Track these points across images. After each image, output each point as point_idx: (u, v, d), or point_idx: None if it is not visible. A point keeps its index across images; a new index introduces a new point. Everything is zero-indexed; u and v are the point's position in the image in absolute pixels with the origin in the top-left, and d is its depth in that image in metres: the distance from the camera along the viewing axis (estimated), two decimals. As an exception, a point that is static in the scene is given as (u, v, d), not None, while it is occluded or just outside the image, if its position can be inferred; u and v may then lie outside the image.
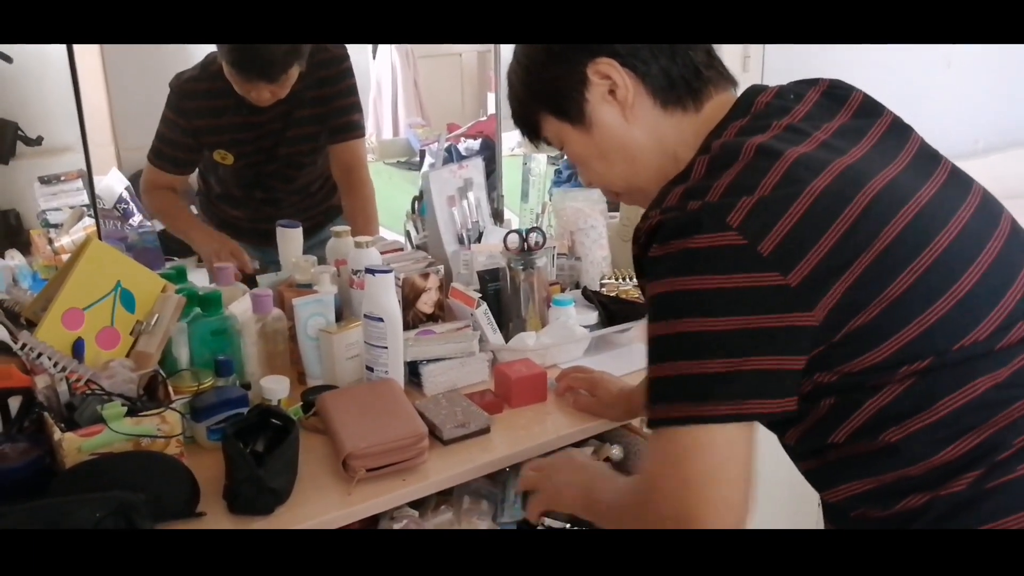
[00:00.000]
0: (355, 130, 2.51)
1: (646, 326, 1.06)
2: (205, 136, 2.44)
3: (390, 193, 3.15)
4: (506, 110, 3.17)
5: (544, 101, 1.20)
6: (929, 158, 1.12)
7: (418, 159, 4.26)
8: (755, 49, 2.34)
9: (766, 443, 1.17)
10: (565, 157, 4.42)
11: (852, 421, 1.03)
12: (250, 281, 2.37)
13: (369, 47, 4.35)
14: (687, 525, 1.00)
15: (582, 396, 1.72)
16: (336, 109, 2.46)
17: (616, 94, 1.14)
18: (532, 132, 1.25)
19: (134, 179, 4.02)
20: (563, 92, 1.17)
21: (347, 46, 2.48)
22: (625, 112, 1.15)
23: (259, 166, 2.53)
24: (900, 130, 1.15)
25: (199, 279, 2.16)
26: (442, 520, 1.58)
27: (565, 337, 1.93)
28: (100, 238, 2.26)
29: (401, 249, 2.12)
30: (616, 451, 1.71)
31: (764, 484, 1.25)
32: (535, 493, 1.41)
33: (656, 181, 1.14)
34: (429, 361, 1.80)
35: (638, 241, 1.06)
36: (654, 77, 1.13)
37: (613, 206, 2.43)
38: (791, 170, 1.00)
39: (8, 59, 2.67)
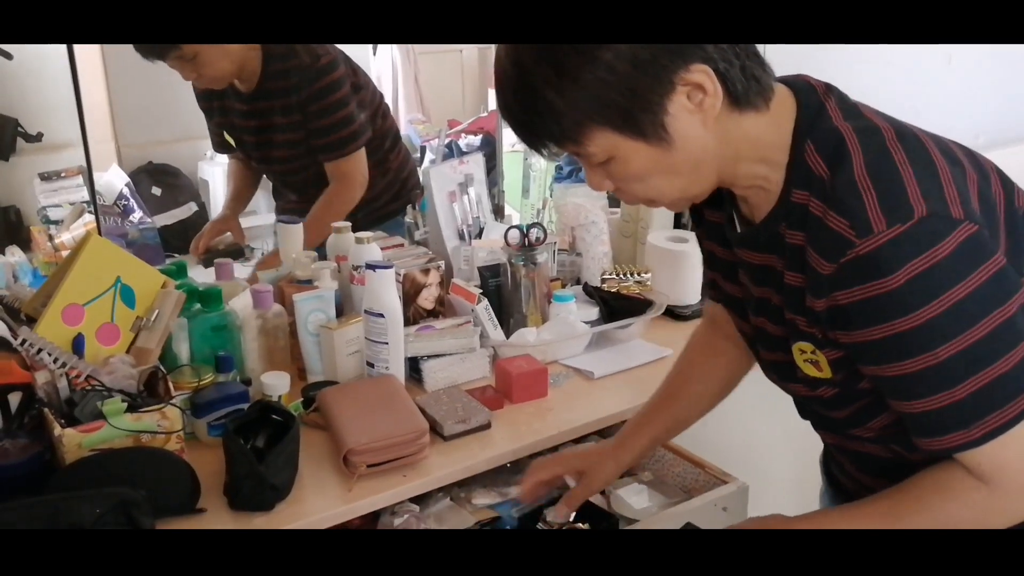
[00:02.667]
0: (336, 150, 2.40)
1: (913, 359, 0.98)
2: (208, 116, 2.54)
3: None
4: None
5: (607, 114, 1.00)
6: None
7: (419, 155, 4.26)
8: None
9: (766, 436, 1.18)
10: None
11: None
12: (235, 253, 2.50)
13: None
14: None
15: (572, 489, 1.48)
16: (317, 129, 2.37)
17: (702, 102, 1.01)
18: (560, 144, 1.06)
19: (134, 175, 4.03)
20: (641, 105, 0.99)
21: (338, 55, 2.38)
22: (707, 121, 1.02)
23: (259, 160, 2.56)
24: None
25: (200, 275, 2.16)
26: (440, 508, 1.58)
27: (566, 333, 1.93)
28: (100, 234, 2.25)
29: (402, 245, 2.12)
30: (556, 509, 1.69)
31: (768, 474, 1.25)
32: None
33: (711, 185, 1.10)
34: (430, 357, 1.80)
35: (837, 258, 0.98)
36: (737, 81, 1.02)
37: (614, 202, 2.43)
38: (940, 146, 1.03)
39: (8, 56, 2.67)
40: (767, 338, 1.19)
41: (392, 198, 2.59)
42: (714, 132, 1.04)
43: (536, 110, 1.02)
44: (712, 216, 1.25)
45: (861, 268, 0.97)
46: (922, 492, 1.07)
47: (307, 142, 2.41)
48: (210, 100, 2.49)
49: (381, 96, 2.60)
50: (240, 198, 2.68)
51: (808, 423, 1.31)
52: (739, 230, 1.17)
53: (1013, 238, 1.02)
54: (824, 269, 1.00)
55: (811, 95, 1.08)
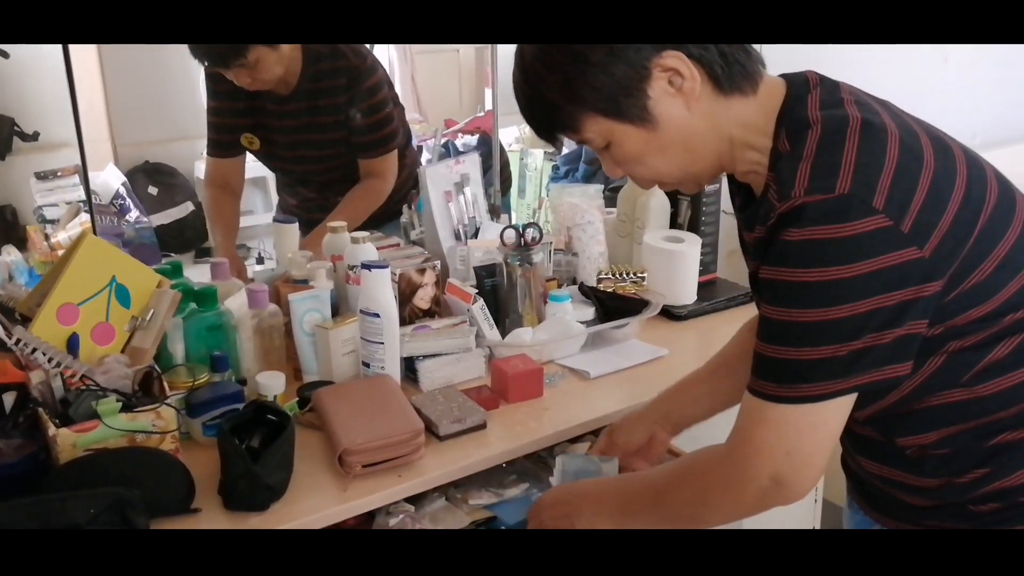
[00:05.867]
0: (379, 147, 2.47)
1: (772, 307, 1.06)
2: (230, 117, 2.49)
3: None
4: (504, 106, 3.16)
5: (594, 102, 1.11)
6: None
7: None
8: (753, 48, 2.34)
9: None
10: (567, 152, 4.34)
11: (958, 375, 1.10)
12: None
13: (366, 42, 4.34)
14: (780, 489, 1.09)
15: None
16: (361, 126, 2.42)
17: (682, 86, 1.09)
18: (564, 133, 1.17)
19: (131, 174, 4.03)
20: (622, 91, 1.09)
21: (376, 59, 2.45)
22: (689, 103, 1.10)
23: (287, 159, 2.55)
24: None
25: (195, 275, 2.16)
26: (436, 508, 1.58)
27: (562, 333, 1.93)
28: (96, 233, 2.25)
29: (398, 245, 2.12)
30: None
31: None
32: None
33: (711, 166, 1.17)
34: (425, 357, 1.79)
35: (766, 222, 1.06)
36: (715, 64, 1.10)
37: (610, 202, 2.43)
38: (904, 144, 1.05)
39: (5, 55, 2.67)
40: None
41: (403, 196, 2.60)
42: (700, 114, 1.11)
43: (538, 106, 1.16)
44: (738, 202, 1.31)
45: (778, 223, 1.04)
46: (680, 463, 1.26)
47: (346, 140, 2.44)
48: (236, 100, 2.44)
49: (396, 95, 2.63)
50: (231, 234, 2.60)
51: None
52: (741, 213, 1.24)
53: (952, 241, 1.04)
54: (759, 233, 1.09)
55: (800, 87, 1.14)
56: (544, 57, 1.12)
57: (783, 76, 1.16)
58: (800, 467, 1.08)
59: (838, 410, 1.07)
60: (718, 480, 1.15)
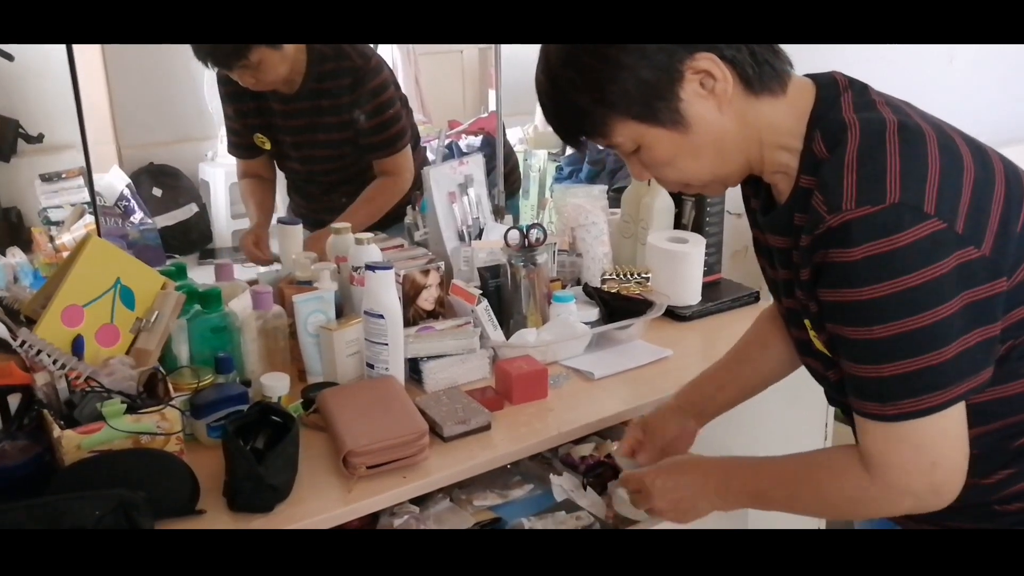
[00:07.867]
0: (388, 147, 2.47)
1: (851, 327, 1.04)
2: (241, 118, 2.52)
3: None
4: (508, 108, 3.16)
5: (625, 106, 1.09)
6: None
7: (419, 156, 4.24)
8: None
9: (766, 437, 1.17)
10: (570, 153, 4.32)
11: (999, 379, 1.09)
12: None
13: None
14: (937, 496, 1.08)
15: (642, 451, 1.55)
16: (367, 127, 2.42)
17: (714, 88, 1.08)
18: (592, 139, 1.15)
19: (135, 176, 4.03)
20: (655, 94, 1.07)
21: (382, 59, 2.46)
22: (721, 105, 1.09)
23: (294, 159, 2.56)
24: None
25: (199, 276, 2.16)
26: (440, 509, 1.58)
27: (566, 333, 1.93)
28: (100, 235, 2.25)
29: (402, 246, 2.12)
30: (617, 447, 1.71)
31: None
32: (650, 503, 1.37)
33: (741, 167, 1.16)
34: (430, 358, 1.79)
35: (813, 231, 1.04)
36: (746, 65, 1.08)
37: (614, 203, 2.43)
38: (943, 145, 1.05)
39: (9, 57, 2.67)
40: (791, 316, 1.26)
41: (408, 198, 2.60)
42: (731, 116, 1.10)
43: (566, 110, 1.13)
44: (755, 204, 1.29)
45: (828, 238, 1.02)
46: (814, 468, 1.20)
47: (354, 141, 2.45)
48: (244, 101, 2.48)
49: (405, 96, 2.63)
50: (266, 209, 2.67)
51: (805, 425, 1.32)
52: (764, 215, 1.23)
53: (1002, 239, 1.03)
54: (804, 242, 1.07)
55: (831, 88, 1.13)
56: (572, 60, 1.09)
57: (809, 76, 1.15)
58: (949, 472, 1.07)
59: (957, 414, 1.05)
60: (870, 502, 1.12)
